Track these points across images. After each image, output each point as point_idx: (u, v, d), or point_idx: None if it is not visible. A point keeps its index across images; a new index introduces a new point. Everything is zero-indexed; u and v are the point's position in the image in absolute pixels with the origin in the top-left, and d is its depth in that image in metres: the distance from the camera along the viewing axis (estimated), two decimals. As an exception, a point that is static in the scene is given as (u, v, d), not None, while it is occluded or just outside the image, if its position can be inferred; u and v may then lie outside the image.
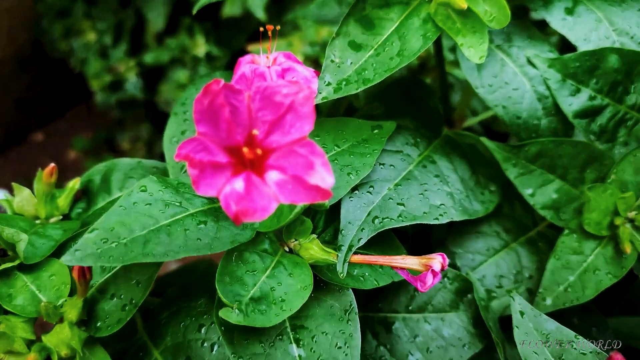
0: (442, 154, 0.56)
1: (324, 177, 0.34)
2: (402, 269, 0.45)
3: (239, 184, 0.34)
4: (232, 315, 0.40)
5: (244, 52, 0.57)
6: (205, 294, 0.49)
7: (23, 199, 0.50)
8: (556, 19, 0.57)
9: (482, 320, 0.54)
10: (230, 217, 0.33)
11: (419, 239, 0.64)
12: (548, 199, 0.57)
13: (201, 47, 1.19)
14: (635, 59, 0.56)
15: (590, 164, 0.57)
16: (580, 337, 0.47)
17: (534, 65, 0.57)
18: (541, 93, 0.56)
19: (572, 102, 0.56)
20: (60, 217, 0.52)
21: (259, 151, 0.34)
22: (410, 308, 0.55)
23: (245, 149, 0.34)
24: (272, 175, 0.35)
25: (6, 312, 0.43)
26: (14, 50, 1.34)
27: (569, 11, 0.58)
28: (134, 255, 0.39)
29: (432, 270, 0.44)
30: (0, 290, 0.44)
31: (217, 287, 0.41)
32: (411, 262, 0.45)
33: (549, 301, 0.54)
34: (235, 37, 1.24)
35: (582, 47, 0.57)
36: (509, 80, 0.56)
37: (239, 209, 0.32)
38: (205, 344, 0.47)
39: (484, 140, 0.57)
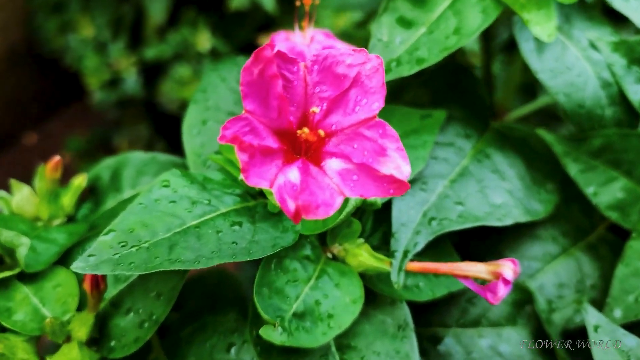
0: (495, 147, 0.51)
1: (399, 165, 0.28)
2: (467, 277, 0.39)
3: (293, 174, 0.28)
4: (274, 335, 0.34)
5: (251, 48, 0.51)
6: (235, 307, 0.43)
7: (23, 197, 0.44)
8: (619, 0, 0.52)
9: (543, 335, 0.48)
10: (288, 214, 0.26)
11: (461, 245, 0.58)
12: (613, 198, 0.51)
13: (206, 41, 1.13)
14: None
15: (660, 158, 0.51)
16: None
17: (597, 49, 0.51)
18: (605, 80, 0.51)
19: (639, 91, 0.51)
20: (65, 218, 0.46)
21: (320, 133, 0.28)
22: (462, 322, 0.49)
23: (303, 131, 0.28)
24: (333, 164, 0.29)
25: (4, 330, 0.37)
26: (6, 48, 1.27)
27: (632, -9, 0.52)
28: (159, 261, 0.33)
29: (503, 279, 0.38)
30: (-4, 304, 0.37)
31: (255, 300, 0.35)
32: (479, 269, 0.39)
33: (618, 313, 0.48)
34: (240, 31, 1.18)
35: (650, 28, 0.51)
36: (571, 65, 0.50)
37: (300, 204, 0.26)
38: None
39: (542, 132, 0.51)
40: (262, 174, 0.28)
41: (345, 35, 0.80)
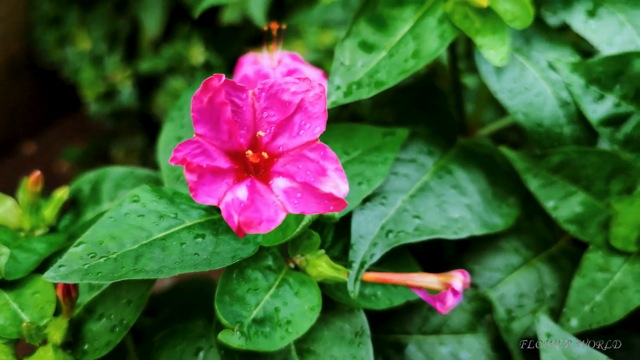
0: (458, 164, 0.54)
1: (337, 184, 0.31)
2: (420, 287, 0.42)
3: (242, 192, 0.31)
4: (232, 339, 0.37)
5: (243, 61, 0.54)
6: (203, 315, 0.46)
7: (6, 209, 0.47)
8: (577, 22, 0.55)
9: (502, 343, 0.51)
10: (232, 228, 0.29)
11: (427, 256, 0.60)
12: (571, 212, 0.54)
13: (199, 55, 1.17)
14: (662, 64, 0.53)
15: (616, 175, 0.54)
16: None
17: (555, 70, 0.54)
18: (563, 99, 0.54)
19: (596, 109, 0.54)
20: (47, 229, 0.49)
21: (264, 155, 0.31)
22: (424, 330, 0.51)
23: (249, 153, 0.31)
24: (279, 183, 0.32)
25: (-16, 334, 0.40)
26: (5, 59, 1.31)
27: (590, 14, 0.56)
28: (124, 271, 0.36)
29: (453, 289, 0.41)
30: (-23, 310, 0.40)
31: (216, 307, 0.38)
32: (430, 280, 0.42)
33: (574, 322, 0.51)
34: (232, 45, 1.22)
35: (606, 51, 0.54)
36: (530, 85, 0.53)
37: (243, 220, 0.29)
38: (203, 368, 0.43)
39: (504, 149, 0.54)
40: (211, 192, 0.31)
41: (330, 53, 0.84)
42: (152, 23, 1.15)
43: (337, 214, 0.44)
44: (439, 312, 0.41)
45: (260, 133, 0.32)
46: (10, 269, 0.42)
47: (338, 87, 0.47)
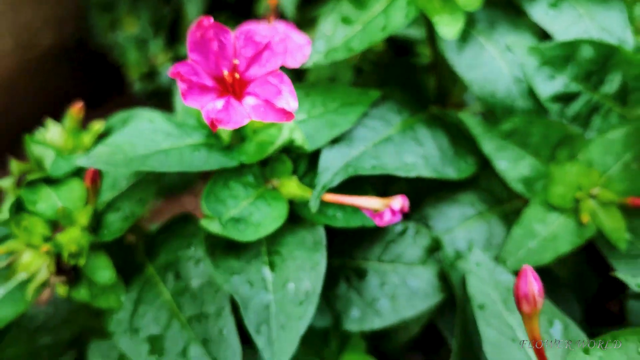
0: (423, 124, 0.66)
1: (289, 101, 0.45)
2: (367, 208, 0.55)
3: (220, 103, 0.46)
4: (211, 225, 0.51)
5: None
6: (196, 220, 0.60)
7: (54, 133, 0.63)
8: (538, 12, 0.67)
9: (446, 276, 0.63)
10: (207, 123, 0.44)
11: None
12: (519, 173, 0.66)
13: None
14: (610, 52, 0.65)
15: (562, 144, 0.66)
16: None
17: (513, 51, 0.66)
18: (517, 77, 0.66)
19: (547, 87, 0.66)
20: (85, 152, 0.64)
21: (237, 76, 0.46)
22: (382, 258, 0.64)
23: (225, 72, 0.46)
24: (249, 101, 0.46)
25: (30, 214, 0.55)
26: (60, 41, 1.50)
27: (553, 5, 0.68)
28: (135, 166, 0.51)
29: (391, 209, 0.54)
30: (26, 197, 0.56)
31: (203, 202, 0.52)
32: (374, 202, 0.55)
33: (508, 263, 0.62)
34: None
35: (560, 38, 0.66)
36: (487, 62, 0.65)
37: (215, 118, 0.44)
38: (192, 260, 0.57)
39: (462, 115, 0.67)
40: (198, 100, 0.45)
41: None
42: (193, 11, 1.32)
43: (309, 148, 0.58)
44: (378, 225, 0.54)
45: (236, 61, 0.46)
46: (54, 170, 0.57)
47: (319, 52, 0.61)
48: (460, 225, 0.67)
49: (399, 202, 0.54)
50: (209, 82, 0.46)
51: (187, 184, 0.71)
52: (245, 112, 0.46)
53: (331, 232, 0.64)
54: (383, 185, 0.72)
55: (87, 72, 1.64)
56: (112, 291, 0.57)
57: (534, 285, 0.43)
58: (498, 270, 0.59)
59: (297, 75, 0.78)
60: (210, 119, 0.44)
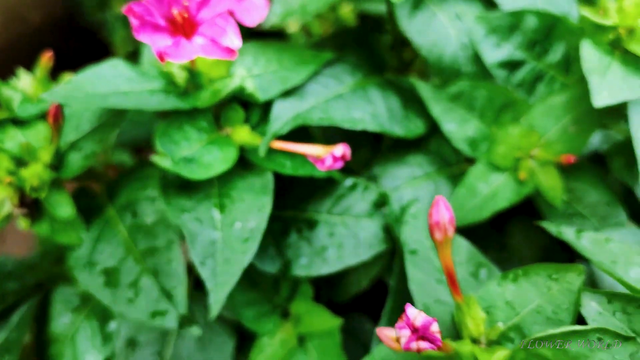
0: (376, 86, 0.71)
1: (233, 40, 0.50)
2: (311, 155, 0.60)
3: (170, 41, 0.50)
4: (163, 161, 0.56)
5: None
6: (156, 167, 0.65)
7: (25, 81, 0.67)
8: (487, -18, 0.72)
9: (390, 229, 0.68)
10: (156, 56, 0.48)
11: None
12: (465, 135, 0.71)
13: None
14: (553, 22, 0.70)
15: (506, 108, 0.70)
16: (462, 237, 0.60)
17: (461, 20, 0.71)
18: (464, 44, 0.71)
19: (493, 55, 0.71)
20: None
21: (185, 15, 0.50)
22: (332, 211, 0.69)
23: (176, 14, 0.50)
24: (198, 40, 0.51)
25: (-4, 151, 0.60)
26: (51, 20, 1.55)
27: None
28: (94, 102, 0.55)
29: (333, 155, 0.59)
30: (-6, 135, 0.60)
31: (156, 141, 0.57)
32: (317, 149, 0.60)
33: (458, 218, 0.67)
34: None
35: (507, 8, 0.71)
36: (437, 29, 0.70)
37: (164, 51, 0.48)
38: (148, 200, 0.62)
39: (412, 79, 0.71)
40: (150, 36, 0.50)
41: (318, 16, 1.03)
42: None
43: (261, 99, 0.62)
44: (319, 170, 0.59)
45: (185, 2, 0.51)
46: (22, 112, 0.62)
47: (277, 14, 0.66)
48: (408, 184, 0.72)
49: (340, 149, 0.59)
50: (161, 22, 0.51)
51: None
52: (193, 49, 0.50)
53: (286, 187, 0.69)
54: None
55: (77, 49, 1.68)
56: (72, 228, 0.61)
57: (445, 214, 0.48)
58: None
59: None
60: (159, 52, 0.48)
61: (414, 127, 0.71)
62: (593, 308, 0.49)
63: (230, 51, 0.49)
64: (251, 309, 0.69)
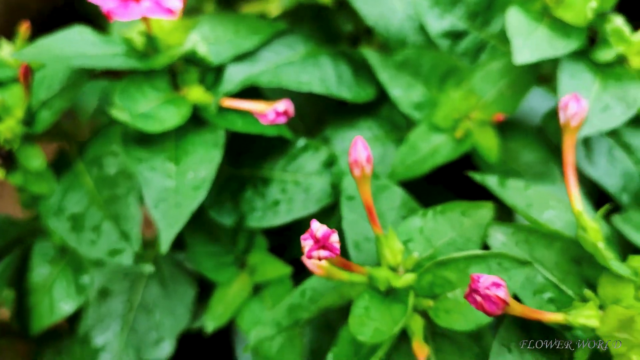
0: (328, 56, 0.77)
1: (174, 2, 0.56)
2: (257, 111, 0.67)
3: (119, 3, 0.57)
4: (121, 114, 0.63)
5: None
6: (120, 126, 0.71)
7: (6, 51, 0.75)
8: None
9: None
10: (105, 14, 0.55)
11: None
12: (411, 100, 0.76)
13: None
14: (494, -5, 0.76)
15: (450, 75, 0.76)
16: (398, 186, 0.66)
17: (408, -7, 0.77)
18: (410, 15, 0.77)
19: (437, 25, 0.76)
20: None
21: (134, -18, 0.57)
22: (285, 169, 0.75)
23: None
24: (145, 4, 0.58)
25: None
26: (49, 5, 1.63)
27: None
28: (60, 61, 0.62)
29: (276, 111, 0.65)
30: (-26, 95, 0.67)
31: (116, 98, 0.64)
32: (261, 105, 0.66)
33: (394, 173, 0.73)
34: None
35: (450, -18, 0.77)
36: (384, 1, 0.76)
37: (112, 10, 0.55)
38: (112, 154, 0.69)
39: (362, 49, 0.77)
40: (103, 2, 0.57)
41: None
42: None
43: (214, 62, 0.69)
44: (263, 124, 0.65)
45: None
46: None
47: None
48: (358, 144, 0.77)
49: (282, 105, 0.65)
50: (114, -11, 0.58)
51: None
52: (139, 10, 0.57)
53: (245, 148, 0.75)
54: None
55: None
56: (43, 179, 0.68)
57: (362, 153, 0.54)
58: (375, 175, 0.69)
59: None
60: (107, 11, 0.55)
61: (363, 93, 0.77)
62: (498, 239, 0.55)
63: (171, 11, 0.56)
64: (211, 260, 0.75)
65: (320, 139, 0.78)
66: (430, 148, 0.73)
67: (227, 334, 0.79)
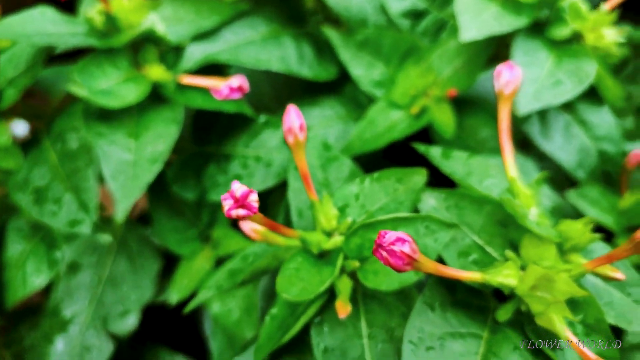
0: (290, 36, 0.80)
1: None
2: (212, 87, 0.69)
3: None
4: (80, 90, 0.66)
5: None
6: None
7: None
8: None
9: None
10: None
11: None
12: (372, 79, 0.79)
13: None
14: (452, -24, 0.78)
15: (410, 54, 0.78)
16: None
17: (368, -26, 0.80)
18: (371, -4, 0.79)
19: (397, 5, 0.79)
20: None
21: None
22: (248, 145, 0.78)
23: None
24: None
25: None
26: None
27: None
28: (21, 39, 0.66)
29: (230, 86, 0.68)
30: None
31: (75, 75, 0.67)
32: (216, 82, 0.69)
33: (352, 148, 0.75)
34: None
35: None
36: (344, -19, 0.79)
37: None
38: (75, 130, 0.72)
39: (324, 28, 0.80)
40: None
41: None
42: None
43: (173, 41, 0.72)
44: (217, 99, 0.68)
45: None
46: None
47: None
48: (319, 123, 0.80)
49: (236, 81, 0.68)
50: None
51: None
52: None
53: (210, 126, 0.78)
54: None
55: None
56: (10, 155, 0.72)
57: (295, 120, 0.56)
58: (327, 147, 0.71)
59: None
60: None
61: (325, 72, 0.79)
62: (429, 203, 0.57)
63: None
64: (176, 235, 0.78)
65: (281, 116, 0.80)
66: (388, 123, 0.75)
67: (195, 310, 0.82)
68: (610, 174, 0.77)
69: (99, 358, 0.76)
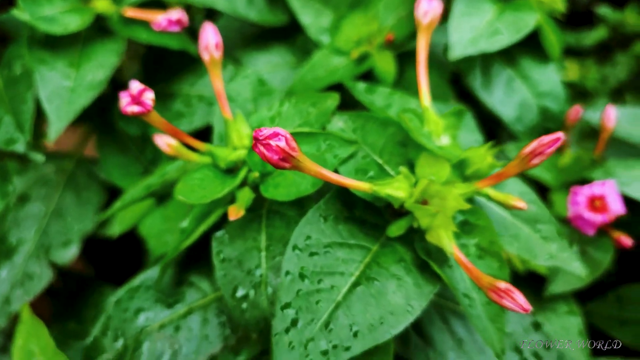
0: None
1: None
2: (153, 20, 0.72)
3: None
4: (22, 15, 0.69)
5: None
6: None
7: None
8: None
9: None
10: None
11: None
12: (320, 27, 0.81)
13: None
14: None
15: (359, 3, 0.80)
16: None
17: None
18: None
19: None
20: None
21: None
22: (194, 84, 0.80)
23: None
24: None
25: None
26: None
27: None
28: None
29: (169, 19, 0.70)
30: None
31: (20, 2, 0.70)
32: (157, 15, 0.71)
33: (293, 90, 0.77)
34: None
35: None
36: None
37: None
38: (20, 57, 0.75)
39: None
40: None
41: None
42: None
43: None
44: (156, 30, 0.70)
45: None
46: None
47: None
48: (266, 69, 0.82)
49: (176, 14, 0.70)
50: None
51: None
52: None
53: (159, 65, 0.81)
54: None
55: None
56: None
57: (212, 38, 0.58)
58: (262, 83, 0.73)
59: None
60: None
61: (274, 18, 0.81)
62: (337, 125, 0.58)
63: None
64: (121, 170, 0.81)
65: (231, 60, 0.82)
66: (330, 68, 0.77)
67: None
68: (551, 131, 0.77)
69: (38, 285, 0.79)
